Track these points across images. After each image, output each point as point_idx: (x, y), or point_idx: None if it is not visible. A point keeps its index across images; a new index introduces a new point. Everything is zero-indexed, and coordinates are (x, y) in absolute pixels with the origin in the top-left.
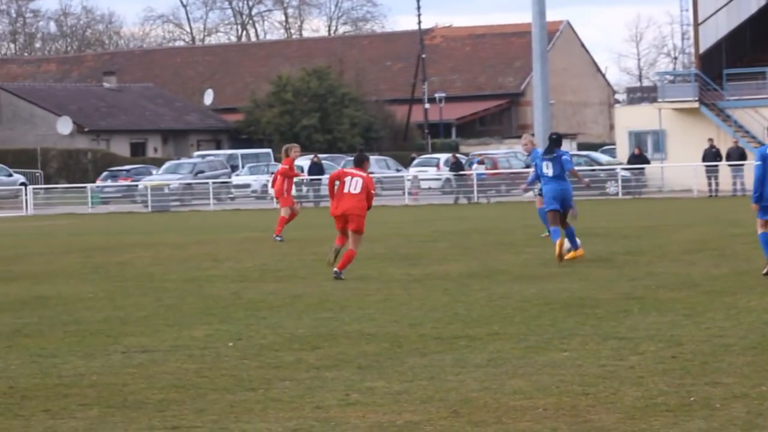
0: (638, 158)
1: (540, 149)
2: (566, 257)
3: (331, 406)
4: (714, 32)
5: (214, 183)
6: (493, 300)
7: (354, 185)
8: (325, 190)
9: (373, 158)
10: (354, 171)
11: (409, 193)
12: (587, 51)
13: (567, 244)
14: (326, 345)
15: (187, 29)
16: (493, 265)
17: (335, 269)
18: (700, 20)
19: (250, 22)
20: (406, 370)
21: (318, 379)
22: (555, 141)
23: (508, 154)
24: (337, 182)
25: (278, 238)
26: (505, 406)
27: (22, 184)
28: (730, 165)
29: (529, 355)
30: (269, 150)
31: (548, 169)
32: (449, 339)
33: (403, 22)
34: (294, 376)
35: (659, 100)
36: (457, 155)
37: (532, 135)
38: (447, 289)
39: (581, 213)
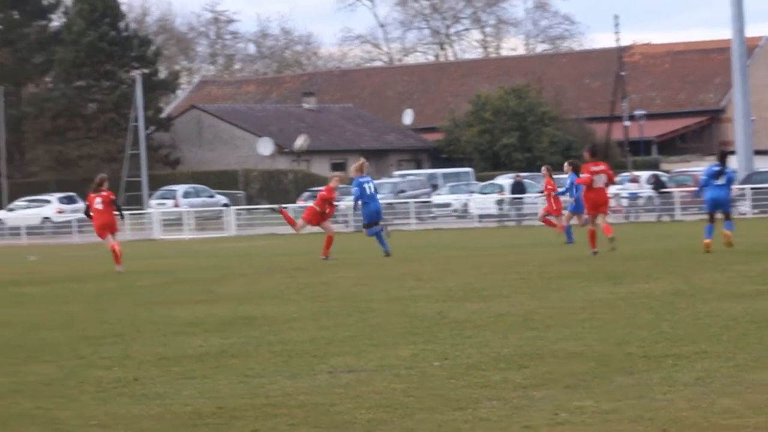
0: None
1: (364, 177)
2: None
3: (540, 425)
4: None
5: (415, 202)
6: (699, 318)
7: (600, 180)
8: (527, 209)
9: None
10: (596, 168)
11: (612, 210)
12: None
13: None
14: (533, 364)
15: (385, 49)
16: (697, 282)
17: (593, 250)
18: None
19: (448, 41)
20: (614, 389)
21: (525, 399)
22: (726, 154)
23: None
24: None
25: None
26: (715, 426)
27: (225, 205)
28: None
29: (738, 373)
30: (469, 169)
31: (720, 178)
32: (656, 358)
33: (601, 39)
34: (501, 395)
35: None
36: (657, 173)
37: (362, 161)
38: (652, 308)
39: None
